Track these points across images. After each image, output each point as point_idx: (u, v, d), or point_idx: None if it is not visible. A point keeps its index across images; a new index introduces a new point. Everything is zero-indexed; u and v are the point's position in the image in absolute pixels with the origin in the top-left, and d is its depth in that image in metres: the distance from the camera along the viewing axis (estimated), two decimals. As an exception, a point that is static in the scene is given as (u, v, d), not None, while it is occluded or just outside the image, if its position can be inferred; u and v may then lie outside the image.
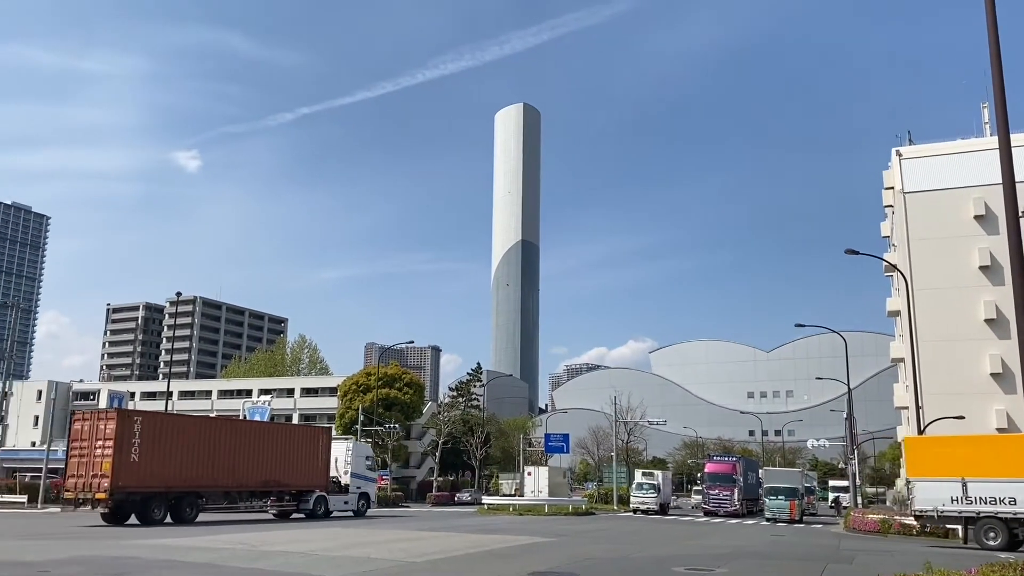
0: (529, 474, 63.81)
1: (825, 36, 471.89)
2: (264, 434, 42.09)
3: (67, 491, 34.69)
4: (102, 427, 33.91)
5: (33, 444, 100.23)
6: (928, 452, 32.99)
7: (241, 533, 28.64)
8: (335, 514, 43.91)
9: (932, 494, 31.13)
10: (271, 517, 41.50)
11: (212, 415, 71.20)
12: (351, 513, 45.56)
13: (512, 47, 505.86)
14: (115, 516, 34.35)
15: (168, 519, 35.13)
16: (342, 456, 46.31)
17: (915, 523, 34.61)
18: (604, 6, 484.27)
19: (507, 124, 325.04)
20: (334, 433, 58.63)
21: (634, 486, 61.26)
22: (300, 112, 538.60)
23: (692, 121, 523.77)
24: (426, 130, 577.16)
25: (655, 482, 59.98)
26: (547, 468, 69.16)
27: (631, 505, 59.97)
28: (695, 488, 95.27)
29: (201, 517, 37.21)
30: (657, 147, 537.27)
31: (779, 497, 52.67)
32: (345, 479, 45.82)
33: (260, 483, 40.09)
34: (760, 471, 68.91)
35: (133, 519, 34.65)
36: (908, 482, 33.53)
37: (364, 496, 47.14)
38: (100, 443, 33.62)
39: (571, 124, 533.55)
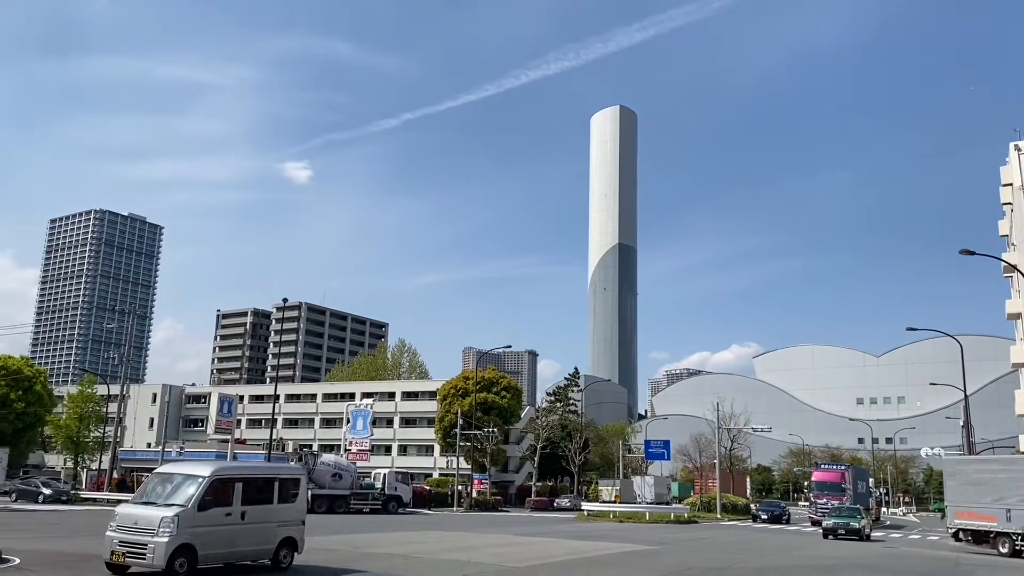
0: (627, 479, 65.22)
1: (936, 29, 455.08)
2: None
3: None
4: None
5: (148, 445, 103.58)
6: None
7: (353, 535, 29.07)
8: None
9: None
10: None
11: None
12: None
13: (617, 44, 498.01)
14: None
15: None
16: None
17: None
18: None
19: (603, 126, 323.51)
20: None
21: (761, 504, 69.22)
22: (404, 118, 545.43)
23: (796, 120, 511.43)
24: (525, 133, 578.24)
25: (779, 502, 71.87)
26: (652, 477, 75.04)
27: (756, 512, 63.75)
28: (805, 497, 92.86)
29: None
30: (759, 147, 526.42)
31: None
32: None
33: None
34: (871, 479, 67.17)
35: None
36: None
37: None
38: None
39: (671, 124, 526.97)
